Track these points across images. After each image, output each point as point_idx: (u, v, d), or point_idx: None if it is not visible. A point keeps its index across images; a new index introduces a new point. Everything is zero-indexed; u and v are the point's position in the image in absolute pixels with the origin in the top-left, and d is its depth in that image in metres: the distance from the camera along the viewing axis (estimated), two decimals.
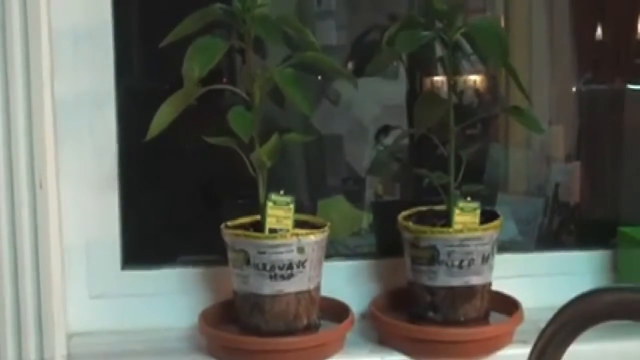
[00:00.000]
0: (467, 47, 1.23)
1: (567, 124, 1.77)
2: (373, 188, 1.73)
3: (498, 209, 1.25)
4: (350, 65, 1.60)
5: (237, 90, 1.18)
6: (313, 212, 1.54)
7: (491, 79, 1.75)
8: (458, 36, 1.19)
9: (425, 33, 1.17)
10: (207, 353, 1.18)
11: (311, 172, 1.67)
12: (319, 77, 1.56)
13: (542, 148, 1.76)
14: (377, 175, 1.67)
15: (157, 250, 1.35)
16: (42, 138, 1.13)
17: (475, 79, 1.74)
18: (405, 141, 1.55)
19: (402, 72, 1.68)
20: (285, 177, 1.42)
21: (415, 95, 1.69)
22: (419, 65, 1.65)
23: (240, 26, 1.14)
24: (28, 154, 1.12)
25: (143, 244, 1.32)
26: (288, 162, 1.52)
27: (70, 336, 1.22)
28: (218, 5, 1.14)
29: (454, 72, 1.23)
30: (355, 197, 1.71)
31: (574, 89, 1.79)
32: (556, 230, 1.70)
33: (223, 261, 1.18)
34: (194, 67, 1.09)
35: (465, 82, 1.72)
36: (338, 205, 1.67)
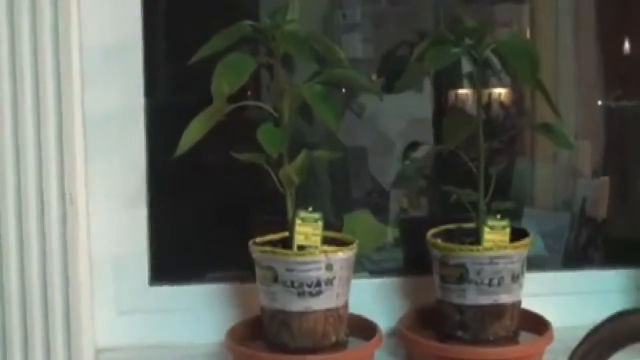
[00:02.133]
0: (496, 63, 1.22)
1: (594, 139, 1.76)
2: (398, 202, 1.72)
3: (525, 224, 1.25)
4: (374, 77, 1.60)
5: (265, 106, 1.18)
6: (338, 225, 1.54)
7: (517, 92, 1.74)
8: (487, 52, 1.18)
9: (455, 50, 1.17)
10: None
11: (335, 184, 1.66)
12: (343, 90, 1.56)
13: (569, 162, 1.75)
14: (403, 189, 1.67)
15: (184, 266, 1.35)
16: (73, 153, 1.13)
17: (500, 91, 1.74)
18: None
19: (427, 85, 1.67)
20: (310, 191, 1.42)
21: (441, 108, 1.69)
22: (445, 79, 1.64)
23: (269, 42, 1.14)
24: (58, 170, 1.13)
25: (171, 260, 1.32)
26: (313, 175, 1.51)
27: (98, 351, 1.23)
28: (248, 22, 1.14)
29: (482, 87, 1.23)
30: (379, 211, 1.70)
31: (600, 103, 1.78)
32: (583, 245, 1.69)
33: (251, 278, 1.18)
34: (223, 84, 1.09)
35: (490, 95, 1.71)
36: (364, 220, 1.67)
